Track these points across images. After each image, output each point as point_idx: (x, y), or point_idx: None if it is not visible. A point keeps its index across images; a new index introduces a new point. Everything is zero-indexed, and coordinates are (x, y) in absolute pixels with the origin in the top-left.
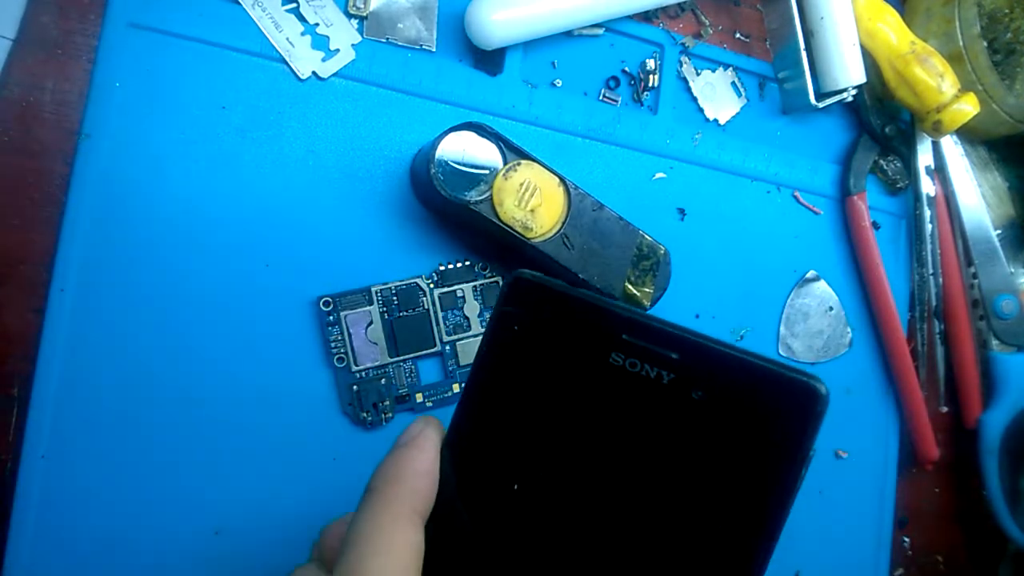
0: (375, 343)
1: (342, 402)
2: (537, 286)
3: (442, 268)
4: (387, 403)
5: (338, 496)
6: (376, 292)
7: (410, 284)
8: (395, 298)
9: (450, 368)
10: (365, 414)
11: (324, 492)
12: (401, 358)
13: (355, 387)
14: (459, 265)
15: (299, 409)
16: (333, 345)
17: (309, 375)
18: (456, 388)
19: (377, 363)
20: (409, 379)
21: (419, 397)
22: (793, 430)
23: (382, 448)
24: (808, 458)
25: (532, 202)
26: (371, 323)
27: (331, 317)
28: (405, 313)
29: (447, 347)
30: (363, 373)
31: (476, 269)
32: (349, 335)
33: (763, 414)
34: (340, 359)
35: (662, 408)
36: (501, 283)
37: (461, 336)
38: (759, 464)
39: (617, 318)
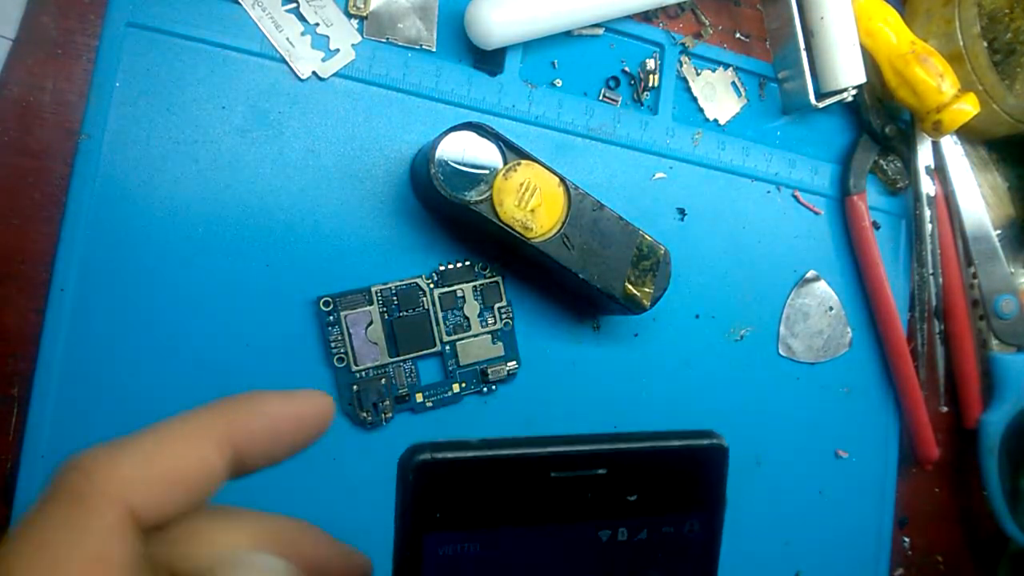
0: (375, 343)
1: (342, 402)
2: (446, 464)
3: (442, 268)
4: (387, 403)
5: (338, 496)
6: (376, 292)
7: (410, 284)
8: (395, 298)
9: (450, 368)
10: (365, 414)
11: (324, 492)
12: (401, 358)
13: (355, 387)
14: (459, 265)
15: None
16: (333, 345)
17: (309, 375)
18: (456, 388)
19: (377, 363)
20: (409, 379)
21: (419, 397)
22: (711, 488)
23: (382, 448)
24: (724, 503)
25: (532, 202)
26: (371, 323)
27: (331, 317)
28: (405, 313)
29: (447, 347)
30: (363, 373)
31: (476, 269)
32: (349, 335)
33: (686, 484)
34: (340, 359)
35: (604, 504)
36: (501, 284)
37: (461, 336)
38: (697, 525)
39: (538, 461)
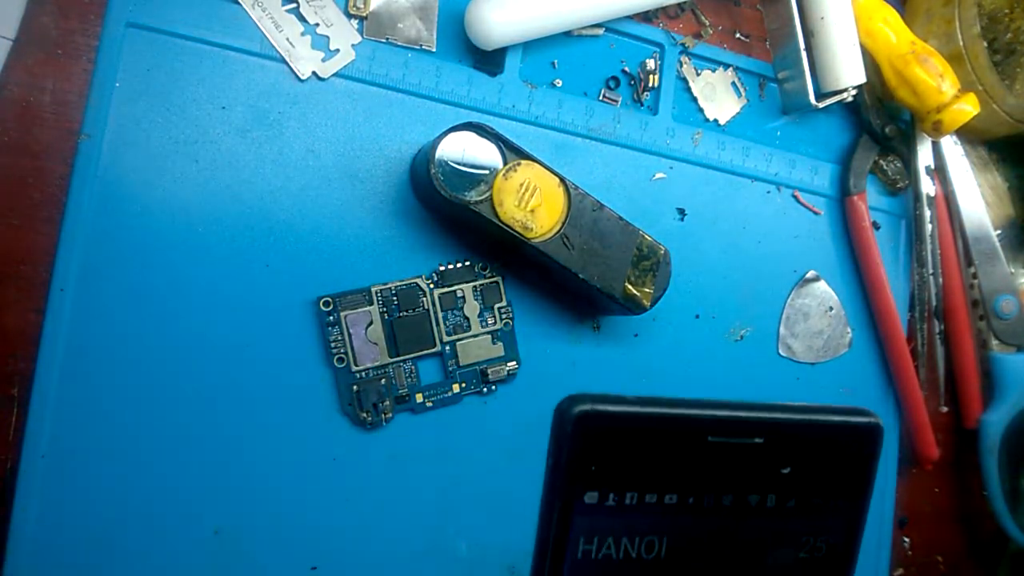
0: (375, 343)
1: (342, 402)
2: (607, 417)
3: (442, 268)
4: (387, 403)
5: (337, 496)
6: (376, 292)
7: (410, 284)
8: (395, 298)
9: (450, 368)
10: (365, 414)
11: (323, 492)
12: (401, 358)
13: (355, 387)
14: (459, 265)
15: (298, 409)
16: (333, 345)
17: (309, 375)
18: (456, 388)
19: (377, 363)
20: (409, 379)
21: (419, 397)
22: (864, 464)
23: (382, 448)
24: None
25: (532, 202)
26: (371, 323)
27: (331, 317)
28: (405, 313)
29: (447, 347)
30: (363, 373)
31: (476, 269)
32: (349, 335)
33: (840, 460)
34: (340, 359)
35: (757, 473)
36: (501, 284)
37: (461, 336)
38: (843, 499)
39: (697, 423)
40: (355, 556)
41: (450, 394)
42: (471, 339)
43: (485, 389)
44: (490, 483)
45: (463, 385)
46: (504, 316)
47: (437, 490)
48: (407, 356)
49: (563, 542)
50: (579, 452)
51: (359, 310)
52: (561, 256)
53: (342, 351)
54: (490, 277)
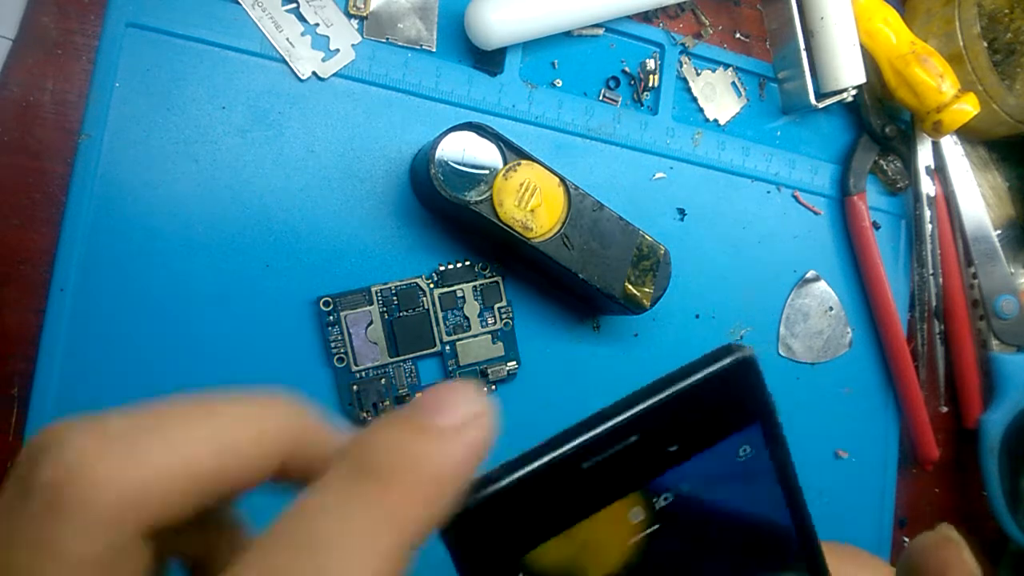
0: (375, 343)
1: (342, 402)
2: (478, 507)
3: (442, 268)
4: (387, 403)
5: None
6: (376, 292)
7: (410, 284)
8: (395, 298)
9: (450, 368)
10: (365, 414)
11: None
12: (401, 358)
13: (355, 387)
14: (459, 265)
15: None
16: (333, 345)
17: (309, 375)
18: None
19: (377, 363)
20: (409, 379)
21: (418, 397)
22: (754, 396)
23: None
24: (774, 410)
25: (532, 202)
26: (371, 323)
27: (331, 317)
28: (405, 313)
29: (447, 347)
30: (363, 373)
31: (476, 269)
32: (349, 335)
33: (727, 407)
34: (340, 359)
35: (645, 465)
36: (501, 284)
37: (461, 336)
38: (748, 446)
39: (565, 460)
40: None
41: None
42: (471, 339)
43: (485, 389)
44: None
45: None
46: (504, 316)
47: None
48: (407, 356)
49: None
50: (473, 545)
51: (359, 310)
52: (561, 256)
53: (342, 351)
54: (490, 277)
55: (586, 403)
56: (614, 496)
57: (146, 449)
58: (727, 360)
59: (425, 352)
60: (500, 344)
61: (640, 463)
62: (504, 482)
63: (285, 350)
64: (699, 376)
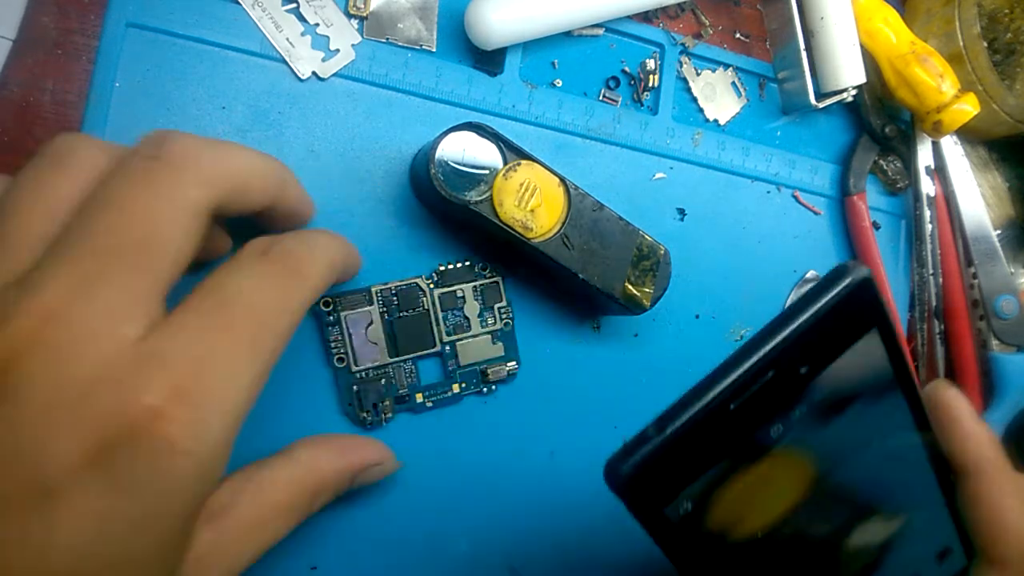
0: (375, 343)
1: (342, 402)
2: (641, 465)
3: (442, 268)
4: (387, 403)
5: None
6: (376, 292)
7: (410, 284)
8: (395, 298)
9: (450, 368)
10: (365, 414)
11: None
12: (401, 358)
13: (355, 387)
14: (459, 265)
15: (299, 410)
16: (333, 345)
17: (309, 375)
18: (456, 388)
19: (377, 363)
20: (409, 379)
21: (419, 397)
22: (872, 310)
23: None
24: (887, 314)
25: (532, 202)
26: (371, 323)
27: (331, 317)
28: (405, 313)
29: (447, 347)
30: (363, 373)
31: (476, 269)
32: (349, 335)
33: (849, 325)
34: (340, 359)
35: (783, 393)
36: (501, 284)
37: (461, 336)
38: (872, 346)
39: (714, 409)
40: (354, 556)
41: (450, 394)
42: (471, 339)
43: (485, 389)
44: (491, 482)
45: (463, 385)
46: (504, 316)
47: (437, 489)
48: (407, 356)
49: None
50: (644, 499)
51: (359, 310)
52: (561, 256)
53: (342, 351)
54: (490, 277)
55: (586, 403)
56: (758, 427)
57: (229, 153)
58: (847, 282)
59: (425, 352)
60: (500, 344)
61: (777, 392)
62: (661, 438)
63: (285, 351)
64: (823, 304)
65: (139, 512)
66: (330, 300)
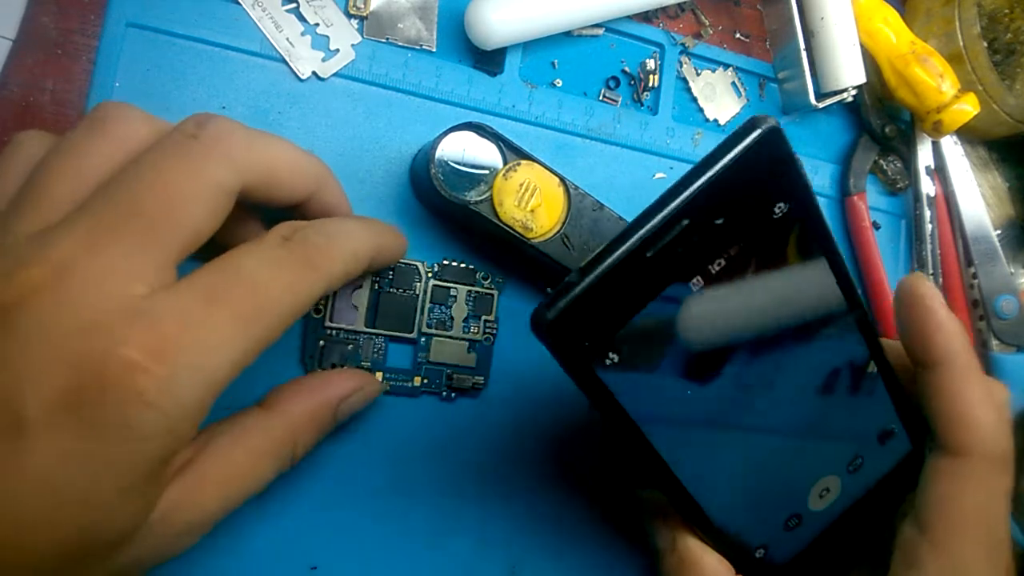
0: (356, 307)
1: (304, 352)
2: (566, 310)
3: (445, 262)
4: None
5: (339, 500)
6: None
7: (410, 265)
8: (391, 272)
9: (419, 359)
10: (320, 370)
11: None
12: (376, 331)
13: (321, 342)
14: (462, 265)
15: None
16: None
17: None
18: (417, 381)
19: (351, 327)
20: (375, 355)
21: (379, 376)
22: (786, 161)
23: None
24: (801, 172)
25: (532, 202)
26: (360, 286)
27: None
28: (395, 291)
29: (423, 338)
30: (334, 332)
31: (477, 276)
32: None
33: (763, 176)
34: (317, 310)
35: (700, 244)
36: (496, 299)
37: (440, 333)
38: (785, 206)
39: (631, 255)
40: (354, 556)
41: (410, 385)
42: (448, 339)
43: (445, 394)
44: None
45: (425, 381)
46: (488, 330)
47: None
48: (382, 331)
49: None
50: (565, 346)
51: None
52: (561, 256)
53: (321, 303)
54: (487, 288)
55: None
56: (678, 278)
57: (264, 140)
58: (756, 133)
59: (400, 334)
60: (474, 356)
61: (695, 243)
62: (582, 285)
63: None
64: (732, 153)
65: (103, 455)
66: None
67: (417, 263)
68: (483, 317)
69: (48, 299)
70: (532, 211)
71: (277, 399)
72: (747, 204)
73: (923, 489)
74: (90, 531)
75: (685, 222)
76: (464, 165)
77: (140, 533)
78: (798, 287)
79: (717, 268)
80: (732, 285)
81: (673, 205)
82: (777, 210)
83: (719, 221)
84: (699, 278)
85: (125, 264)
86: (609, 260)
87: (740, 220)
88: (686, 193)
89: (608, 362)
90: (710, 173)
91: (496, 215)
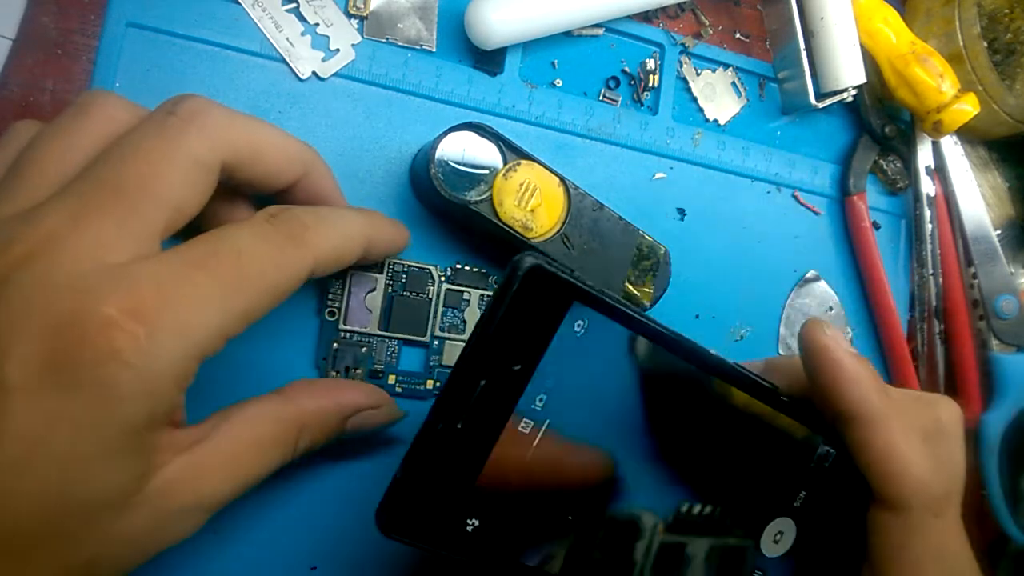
0: (370, 310)
1: (317, 354)
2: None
3: (458, 266)
4: (359, 372)
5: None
6: (389, 264)
7: (424, 269)
8: (405, 276)
9: (431, 363)
10: (334, 373)
11: None
12: (389, 334)
13: (335, 344)
14: (475, 270)
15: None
16: (330, 297)
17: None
18: (430, 384)
19: (365, 330)
20: (389, 358)
21: (392, 379)
22: (560, 290)
23: None
24: (583, 286)
25: (532, 202)
26: (373, 290)
27: None
28: (408, 294)
29: (436, 342)
30: (348, 335)
31: (490, 280)
32: (349, 293)
33: (543, 314)
34: (331, 313)
35: (505, 394)
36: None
37: (453, 336)
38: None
39: (440, 435)
40: (354, 556)
41: (422, 388)
42: (461, 343)
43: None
44: None
45: (437, 384)
46: None
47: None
48: (395, 335)
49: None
50: (416, 532)
51: (367, 274)
52: (561, 256)
53: (336, 305)
54: None
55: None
56: (500, 427)
57: (244, 119)
58: (516, 281)
59: (414, 338)
60: None
61: (503, 392)
62: (404, 475)
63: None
64: (501, 308)
65: (83, 416)
66: None
67: (430, 267)
68: None
69: (31, 270)
70: (532, 211)
71: (291, 389)
72: (539, 341)
73: (874, 542)
74: (73, 494)
75: (483, 383)
76: (464, 165)
77: (135, 505)
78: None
79: (539, 405)
80: (571, 408)
81: (457, 375)
82: (577, 328)
83: (517, 367)
84: (527, 419)
85: (107, 236)
86: (422, 448)
87: (540, 356)
88: (463, 358)
89: (471, 528)
90: (483, 332)
91: (496, 215)
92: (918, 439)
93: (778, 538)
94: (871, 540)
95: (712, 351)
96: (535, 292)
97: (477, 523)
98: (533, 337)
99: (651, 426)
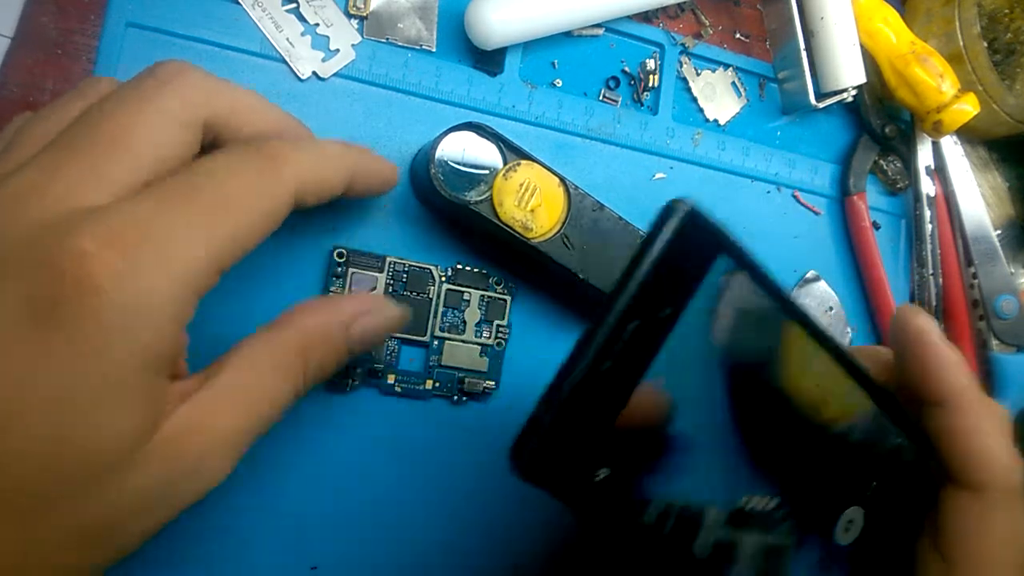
0: None
1: None
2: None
3: (459, 267)
4: (357, 371)
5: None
6: (390, 263)
7: (424, 268)
8: (405, 276)
9: (431, 363)
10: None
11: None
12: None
13: None
14: (475, 270)
15: None
16: (331, 295)
17: None
18: (429, 384)
19: None
20: (388, 357)
21: (391, 378)
22: (712, 237)
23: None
24: (731, 239)
25: (532, 202)
26: (374, 288)
27: (339, 269)
28: (409, 294)
29: (435, 342)
30: None
31: (491, 280)
32: (350, 291)
33: (694, 259)
34: None
35: (649, 339)
36: (508, 304)
37: (453, 337)
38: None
39: (586, 379)
40: (354, 556)
41: (421, 388)
42: (461, 343)
43: (456, 398)
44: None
45: (436, 384)
46: (500, 335)
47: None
48: (395, 334)
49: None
50: (552, 480)
51: (368, 273)
52: (561, 256)
53: None
54: (500, 293)
55: None
56: (641, 372)
57: (226, 83)
58: (674, 221)
59: (414, 338)
60: (485, 360)
61: (650, 336)
62: (548, 417)
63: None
64: (658, 248)
65: (66, 351)
66: (344, 252)
67: (430, 267)
68: (495, 322)
69: (8, 218)
70: (532, 211)
71: (286, 315)
72: (689, 287)
73: (945, 524)
74: (72, 441)
75: (634, 323)
76: (464, 165)
77: (146, 456)
78: (757, 335)
79: (680, 352)
80: (699, 367)
81: (613, 315)
82: (722, 281)
83: (666, 312)
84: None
85: (80, 181)
86: (569, 384)
87: (685, 301)
88: (622, 299)
89: (600, 477)
90: (640, 273)
91: (496, 215)
92: (1000, 426)
93: (848, 526)
94: (946, 525)
95: (830, 330)
96: (688, 237)
97: (607, 473)
98: (681, 284)
99: (758, 399)
